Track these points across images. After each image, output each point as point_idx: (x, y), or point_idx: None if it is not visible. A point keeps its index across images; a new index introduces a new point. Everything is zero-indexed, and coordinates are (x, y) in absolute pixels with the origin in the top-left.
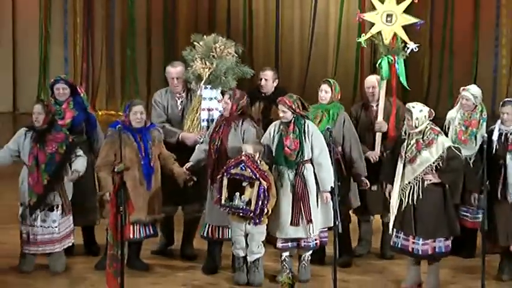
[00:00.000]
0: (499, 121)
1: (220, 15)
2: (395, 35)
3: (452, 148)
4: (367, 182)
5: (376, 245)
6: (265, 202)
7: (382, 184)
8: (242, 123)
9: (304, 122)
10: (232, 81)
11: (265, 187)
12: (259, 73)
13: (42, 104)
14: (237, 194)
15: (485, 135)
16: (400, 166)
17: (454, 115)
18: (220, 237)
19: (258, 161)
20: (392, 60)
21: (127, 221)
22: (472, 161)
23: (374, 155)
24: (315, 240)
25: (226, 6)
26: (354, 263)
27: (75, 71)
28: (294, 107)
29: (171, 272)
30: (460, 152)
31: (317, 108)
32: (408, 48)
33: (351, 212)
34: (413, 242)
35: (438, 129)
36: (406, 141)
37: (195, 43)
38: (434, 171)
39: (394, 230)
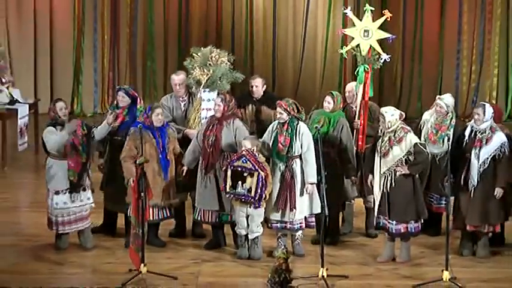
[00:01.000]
0: (472, 120)
1: (226, 31)
2: (371, 47)
3: (419, 144)
4: (356, 179)
5: (359, 225)
6: (263, 189)
7: (365, 174)
8: (233, 122)
9: (298, 123)
10: (226, 84)
11: (263, 176)
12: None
13: (63, 101)
14: (240, 182)
15: (450, 133)
16: (377, 159)
17: (428, 117)
18: (209, 220)
19: (256, 154)
20: (367, 69)
21: (147, 205)
22: (438, 158)
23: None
24: (300, 223)
25: (231, 24)
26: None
27: (103, 80)
28: (289, 109)
29: (184, 249)
30: (426, 148)
31: (321, 114)
32: (382, 59)
33: None
34: (389, 223)
35: (408, 128)
36: (381, 138)
37: (194, 54)
38: (404, 164)
39: (376, 213)
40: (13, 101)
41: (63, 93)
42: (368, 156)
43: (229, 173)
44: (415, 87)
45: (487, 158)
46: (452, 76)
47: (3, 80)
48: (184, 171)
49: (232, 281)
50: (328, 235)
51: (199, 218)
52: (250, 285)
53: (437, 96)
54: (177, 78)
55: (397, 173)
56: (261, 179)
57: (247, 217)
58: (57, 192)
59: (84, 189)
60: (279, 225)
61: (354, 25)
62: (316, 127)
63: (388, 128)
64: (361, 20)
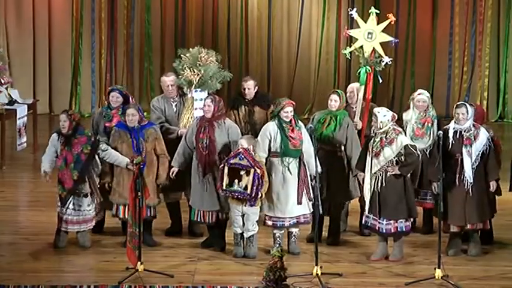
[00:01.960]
0: (453, 121)
1: (222, 33)
2: (374, 49)
3: (409, 146)
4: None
5: (353, 223)
6: (259, 187)
7: (356, 173)
8: (224, 122)
9: (298, 119)
10: (217, 84)
11: (260, 174)
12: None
13: (67, 114)
14: (236, 180)
15: (441, 132)
16: (368, 159)
17: (409, 117)
18: (209, 220)
19: (253, 153)
20: (369, 70)
21: (144, 204)
22: (428, 151)
23: None
24: (308, 217)
25: (226, 25)
26: None
27: (101, 81)
28: (294, 105)
29: (181, 247)
30: (416, 150)
31: (326, 114)
32: (383, 61)
33: None
34: (379, 222)
35: (400, 129)
36: (373, 138)
37: (182, 55)
38: (394, 165)
39: (367, 211)
40: (12, 102)
41: (62, 93)
42: (360, 156)
43: (225, 170)
44: (408, 88)
45: (478, 155)
46: (445, 77)
47: (2, 81)
48: (175, 172)
49: (228, 279)
50: (330, 235)
51: (198, 219)
52: (246, 283)
53: (417, 92)
54: (169, 79)
55: (388, 173)
56: (256, 177)
57: (242, 216)
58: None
59: (86, 196)
60: (292, 221)
61: (358, 26)
62: (311, 127)
63: (380, 128)
64: (365, 22)
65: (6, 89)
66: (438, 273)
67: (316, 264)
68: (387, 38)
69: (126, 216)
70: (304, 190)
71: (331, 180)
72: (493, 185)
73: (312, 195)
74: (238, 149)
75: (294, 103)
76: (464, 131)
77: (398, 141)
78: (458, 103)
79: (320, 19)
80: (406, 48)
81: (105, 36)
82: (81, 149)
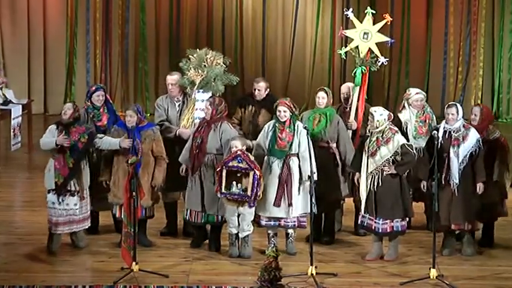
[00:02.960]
0: (444, 121)
1: (217, 34)
2: (369, 49)
3: (406, 145)
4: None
5: (348, 223)
6: (258, 188)
7: (352, 173)
8: (221, 125)
9: (295, 122)
10: (220, 86)
11: (258, 175)
12: (248, 83)
13: (73, 104)
14: (234, 183)
15: (436, 132)
16: (364, 158)
17: (407, 117)
18: (195, 220)
19: (249, 154)
20: (365, 71)
21: (139, 204)
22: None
23: None
24: (294, 222)
25: (221, 25)
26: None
27: (95, 80)
28: (291, 107)
29: (175, 247)
30: (412, 149)
31: (315, 112)
32: (379, 61)
33: None
34: (375, 222)
35: (396, 128)
36: (369, 138)
37: (190, 56)
38: (391, 164)
39: (363, 211)
40: (7, 102)
41: (56, 94)
42: (355, 155)
43: (224, 173)
44: (403, 88)
45: (466, 156)
46: (439, 77)
47: None
48: (184, 169)
49: (223, 279)
50: (326, 234)
51: (187, 218)
52: (241, 283)
53: (411, 92)
54: (171, 78)
55: (384, 173)
56: (256, 178)
57: (238, 216)
58: (48, 191)
59: (73, 195)
60: (272, 222)
61: (354, 26)
62: (306, 127)
63: (376, 127)
64: (361, 23)
65: (1, 89)
66: (433, 273)
67: (311, 264)
68: (383, 38)
69: (122, 216)
70: (285, 194)
71: (324, 178)
72: (479, 187)
73: (292, 201)
74: (236, 152)
75: (289, 104)
76: (454, 131)
77: (394, 141)
78: (450, 103)
79: (314, 19)
80: (401, 48)
81: (100, 36)
82: (79, 138)
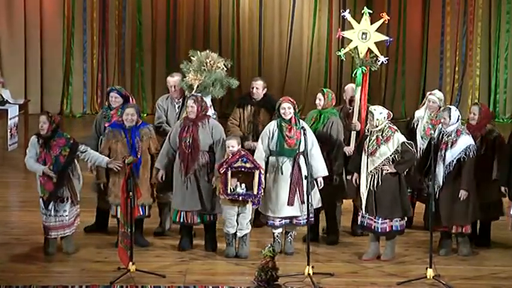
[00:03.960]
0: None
1: (213, 34)
2: (369, 49)
3: (406, 143)
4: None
5: (345, 223)
6: (262, 187)
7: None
8: (208, 122)
9: (299, 119)
10: (220, 90)
11: (263, 173)
12: (244, 83)
13: (47, 115)
14: (238, 183)
15: (433, 132)
16: (364, 158)
17: (421, 114)
18: (191, 221)
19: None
20: (365, 71)
21: (135, 204)
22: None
23: (349, 150)
24: (305, 219)
25: (217, 26)
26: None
27: (92, 81)
28: (294, 103)
29: (172, 247)
30: (412, 147)
31: (314, 112)
32: (379, 61)
33: None
34: (375, 221)
35: (395, 127)
36: (368, 137)
37: (192, 57)
38: (390, 163)
39: (363, 211)
40: (3, 102)
41: (53, 94)
42: (354, 155)
43: (229, 174)
44: (399, 88)
45: (452, 161)
46: (436, 76)
47: None
48: (161, 175)
49: (220, 279)
50: (331, 234)
51: (181, 221)
52: (238, 283)
53: (429, 92)
54: (172, 80)
55: (384, 172)
56: (261, 177)
57: (237, 215)
58: (40, 196)
59: (62, 201)
60: (283, 222)
61: (352, 27)
62: (303, 127)
63: (376, 126)
64: (359, 23)
65: None
66: (430, 272)
67: (308, 264)
68: (382, 37)
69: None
70: (298, 192)
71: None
72: (462, 194)
73: (303, 198)
74: (240, 152)
75: (292, 101)
76: (445, 135)
77: (395, 139)
78: (444, 107)
79: (311, 19)
80: (397, 47)
81: (96, 36)
82: (60, 151)
